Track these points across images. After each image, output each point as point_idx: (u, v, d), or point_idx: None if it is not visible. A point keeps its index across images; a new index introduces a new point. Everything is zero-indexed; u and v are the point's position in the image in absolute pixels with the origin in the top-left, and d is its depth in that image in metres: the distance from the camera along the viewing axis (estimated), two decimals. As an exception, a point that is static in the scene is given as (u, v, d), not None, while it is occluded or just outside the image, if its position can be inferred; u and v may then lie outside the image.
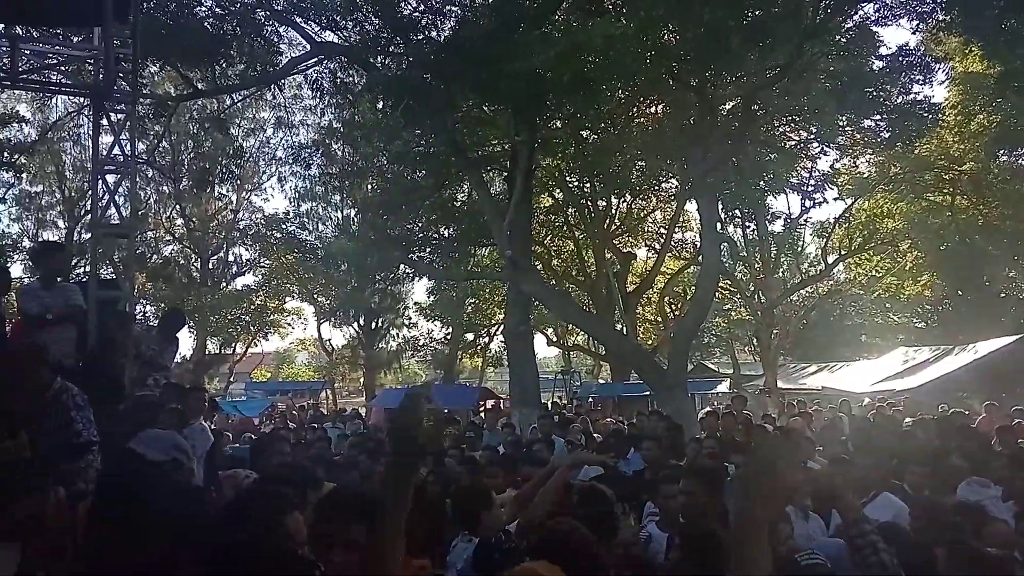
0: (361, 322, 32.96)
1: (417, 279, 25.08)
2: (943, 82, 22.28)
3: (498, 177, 18.54)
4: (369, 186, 21.41)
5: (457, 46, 12.10)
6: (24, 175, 24.92)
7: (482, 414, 17.30)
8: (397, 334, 35.44)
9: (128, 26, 6.53)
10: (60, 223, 29.45)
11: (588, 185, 22.91)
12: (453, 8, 13.68)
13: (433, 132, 14.72)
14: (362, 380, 36.66)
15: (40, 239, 25.98)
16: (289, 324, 36.57)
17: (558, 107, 14.01)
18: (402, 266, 20.85)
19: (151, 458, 3.55)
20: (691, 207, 20.89)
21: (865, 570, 2.28)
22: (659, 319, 29.24)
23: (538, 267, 23.33)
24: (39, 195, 29.29)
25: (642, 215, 27.25)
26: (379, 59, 14.10)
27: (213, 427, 8.24)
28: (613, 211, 26.13)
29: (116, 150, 7.05)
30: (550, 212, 24.68)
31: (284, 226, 29.15)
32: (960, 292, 26.73)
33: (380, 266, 20.15)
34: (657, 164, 19.54)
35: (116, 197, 7.25)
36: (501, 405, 20.40)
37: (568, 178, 22.15)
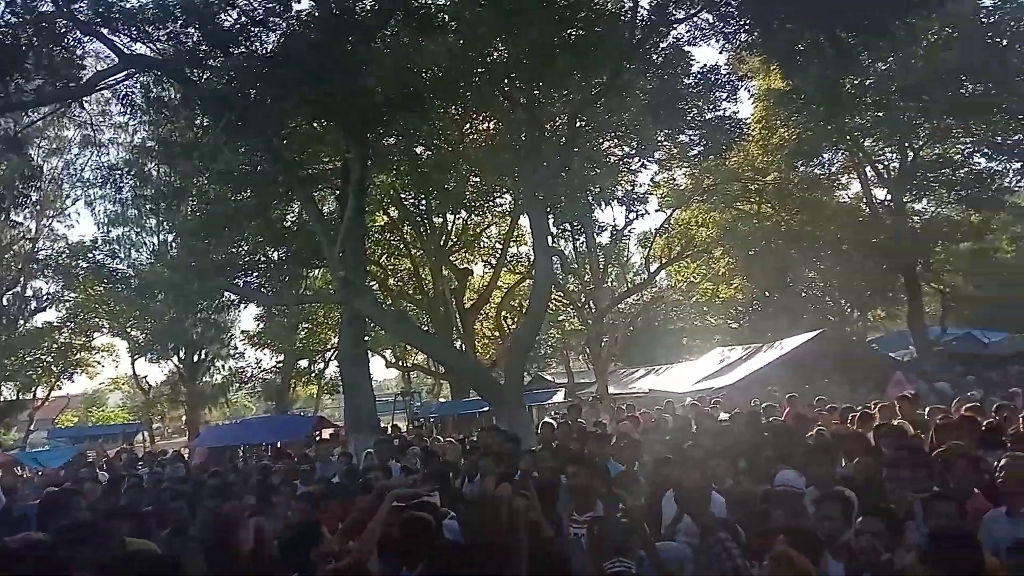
0: (182, 355, 30.78)
1: (243, 306, 23.67)
2: (748, 99, 24.44)
3: (330, 195, 17.98)
4: (188, 208, 20.02)
5: (283, 60, 11.58)
6: None
7: (313, 446, 16.60)
8: (223, 366, 33.55)
9: None
10: None
11: (423, 202, 22.80)
12: (277, 21, 13.08)
13: (258, 150, 14.00)
14: (184, 418, 34.19)
15: None
16: (99, 362, 33.62)
17: (390, 123, 13.79)
18: (227, 293, 19.55)
19: None
20: (524, 221, 21.30)
21: (723, 572, 2.33)
22: (497, 333, 29.57)
23: (374, 287, 22.89)
24: None
25: (478, 231, 27.52)
26: (197, 73, 13.21)
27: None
28: (449, 227, 26.20)
29: None
30: (385, 230, 24.34)
31: (91, 254, 26.57)
32: (767, 294, 29.21)
33: (201, 294, 18.78)
34: (491, 180, 19.81)
35: None
36: (338, 434, 19.71)
37: (403, 195, 21.94)
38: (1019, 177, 23.81)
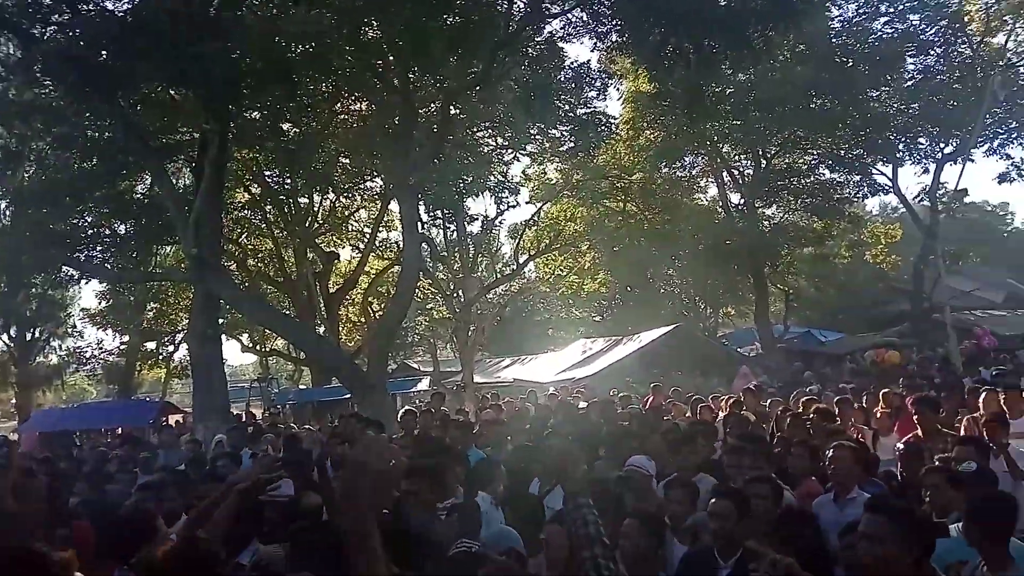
0: (12, 333, 28.19)
1: (84, 282, 21.91)
2: (618, 99, 25.14)
3: (186, 168, 16.95)
4: (25, 174, 18.28)
5: (137, 21, 10.73)
6: None
7: (157, 432, 15.65)
8: (59, 345, 31.05)
9: None
10: None
11: (288, 181, 21.94)
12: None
13: (106, 115, 12.96)
14: (14, 401, 31.37)
15: None
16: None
17: (255, 96, 13.13)
18: (65, 267, 18.04)
19: None
20: (395, 207, 20.97)
21: (577, 540, 2.36)
22: (363, 320, 29.01)
23: (231, 267, 21.86)
24: None
25: (346, 214, 26.82)
26: (39, 28, 12.03)
27: None
28: (315, 209, 25.38)
29: None
30: (246, 208, 23.27)
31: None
32: (629, 288, 30.28)
33: (36, 267, 17.24)
34: (362, 162, 19.35)
35: None
36: (186, 420, 18.71)
37: (266, 172, 21.03)
38: (858, 189, 25.92)
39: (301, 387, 31.97)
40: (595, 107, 17.75)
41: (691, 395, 11.73)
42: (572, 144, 18.55)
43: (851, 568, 3.32)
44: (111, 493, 7.56)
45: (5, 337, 28.52)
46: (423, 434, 8.52)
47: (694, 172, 27.84)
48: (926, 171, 24.43)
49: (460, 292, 25.14)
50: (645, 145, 24.18)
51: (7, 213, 21.97)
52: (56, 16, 11.77)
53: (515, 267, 27.72)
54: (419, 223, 16.62)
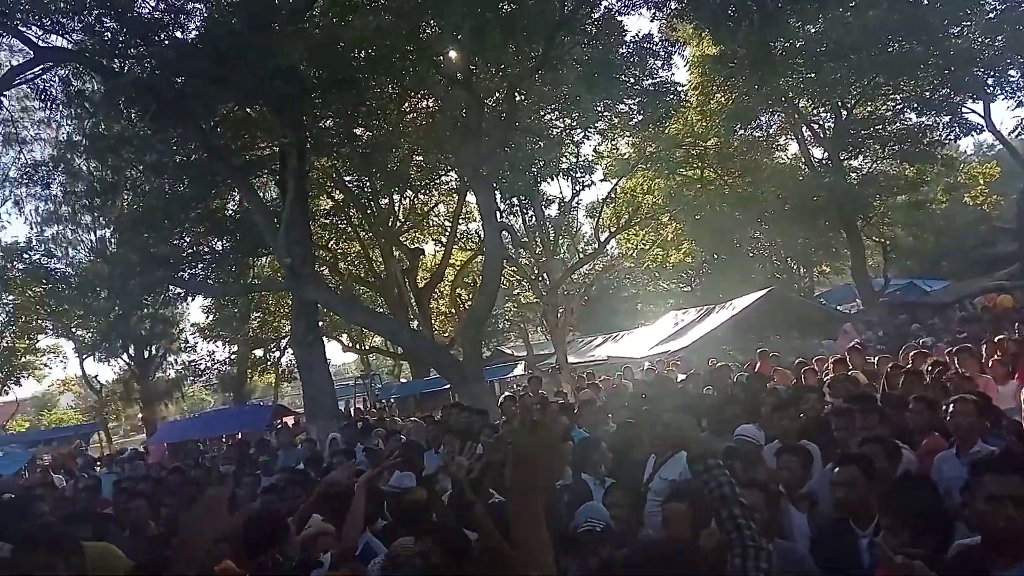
0: (131, 352, 30.04)
1: (191, 299, 23.18)
2: (684, 66, 24.57)
3: (271, 182, 17.61)
4: (124, 203, 19.42)
5: (207, 45, 11.25)
6: None
7: (274, 434, 16.40)
8: (175, 360, 32.84)
9: None
10: None
11: (368, 184, 22.51)
12: (197, 6, 12.69)
13: (189, 139, 13.63)
14: (140, 416, 33.51)
15: None
16: (46, 364, 32.65)
17: (325, 105, 13.56)
18: (171, 286, 19.11)
19: None
20: (472, 198, 21.22)
21: (714, 502, 2.40)
22: (453, 311, 29.53)
23: (323, 272, 22.62)
24: None
25: (426, 210, 27.32)
26: (118, 63, 12.75)
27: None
28: (396, 208, 25.95)
29: None
30: (331, 214, 24.00)
31: (27, 255, 25.65)
32: (715, 256, 29.65)
33: (145, 289, 18.30)
34: (435, 158, 19.63)
35: None
36: (299, 421, 19.54)
37: (346, 178, 21.63)
38: (949, 130, 24.47)
39: (402, 380, 32.81)
40: (661, 77, 17.40)
41: (794, 360, 11.45)
42: (642, 116, 18.24)
43: (975, 526, 3.21)
44: (239, 497, 8.03)
45: (125, 357, 30.37)
46: (525, 418, 8.69)
47: (771, 131, 26.95)
48: (1020, 104, 22.85)
49: (545, 275, 25.23)
50: (717, 109, 23.55)
51: (112, 241, 23.43)
52: (132, 50, 12.44)
53: (597, 246, 27.56)
54: (497, 212, 16.74)
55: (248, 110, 14.10)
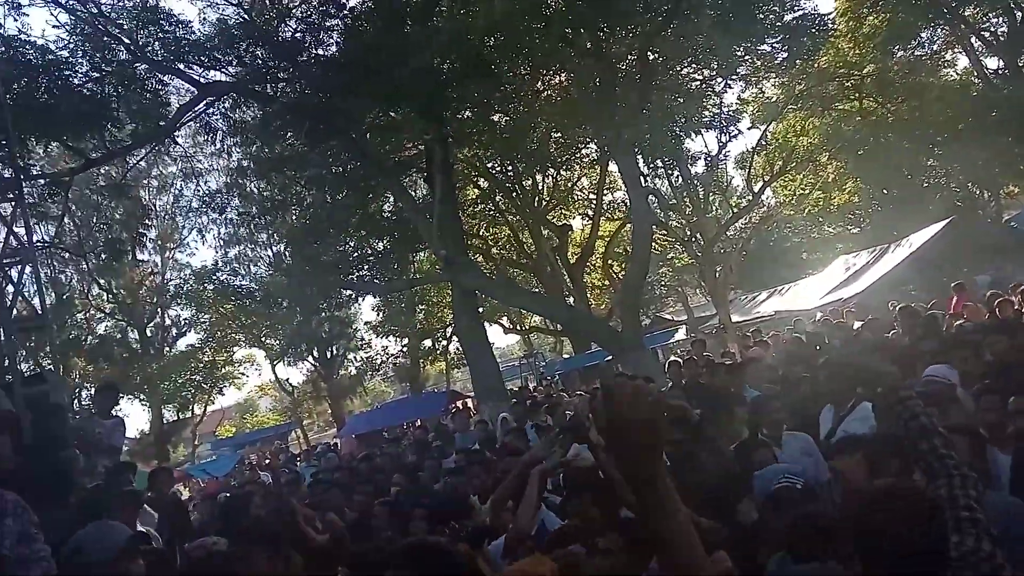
0: (315, 354, 32.35)
1: (361, 299, 24.69)
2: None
3: (420, 179, 18.30)
4: (293, 217, 20.93)
5: (346, 59, 11.85)
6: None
7: (450, 418, 17.10)
8: (354, 358, 34.96)
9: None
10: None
11: (510, 168, 22.83)
12: (334, 22, 13.37)
13: (342, 150, 14.43)
14: (330, 412, 36.08)
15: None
16: (243, 373, 35.83)
17: (461, 97, 13.86)
18: (342, 289, 20.40)
19: (96, 558, 3.34)
20: (615, 168, 20.99)
21: (912, 433, 2.29)
22: (607, 283, 29.41)
23: (477, 259, 23.21)
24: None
25: (569, 186, 27.32)
26: (271, 87, 13.72)
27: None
28: (540, 188, 26.14)
29: (13, 240, 6.68)
30: (479, 202, 24.55)
31: (215, 276, 28.33)
32: (885, 191, 27.53)
33: (320, 295, 19.66)
34: (573, 133, 19.57)
35: (25, 289, 6.85)
36: (471, 404, 20.26)
37: (489, 165, 22.04)
38: None
39: (565, 356, 33.16)
40: (804, 8, 16.26)
41: (986, 293, 10.43)
42: (787, 54, 17.17)
43: None
44: (422, 480, 8.50)
45: (310, 359, 32.78)
46: (692, 383, 8.54)
47: (935, 47, 24.52)
48: None
49: (698, 236, 24.55)
50: (870, 33, 21.77)
51: (287, 254, 25.27)
52: (281, 73, 13.32)
53: (751, 197, 26.41)
54: (641, 177, 16.47)
55: (392, 114, 14.68)
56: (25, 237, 6.74)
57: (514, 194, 24.69)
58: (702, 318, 26.89)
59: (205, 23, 13.88)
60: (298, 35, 13.14)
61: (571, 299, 24.86)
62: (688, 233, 25.11)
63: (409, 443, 14.05)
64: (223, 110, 14.85)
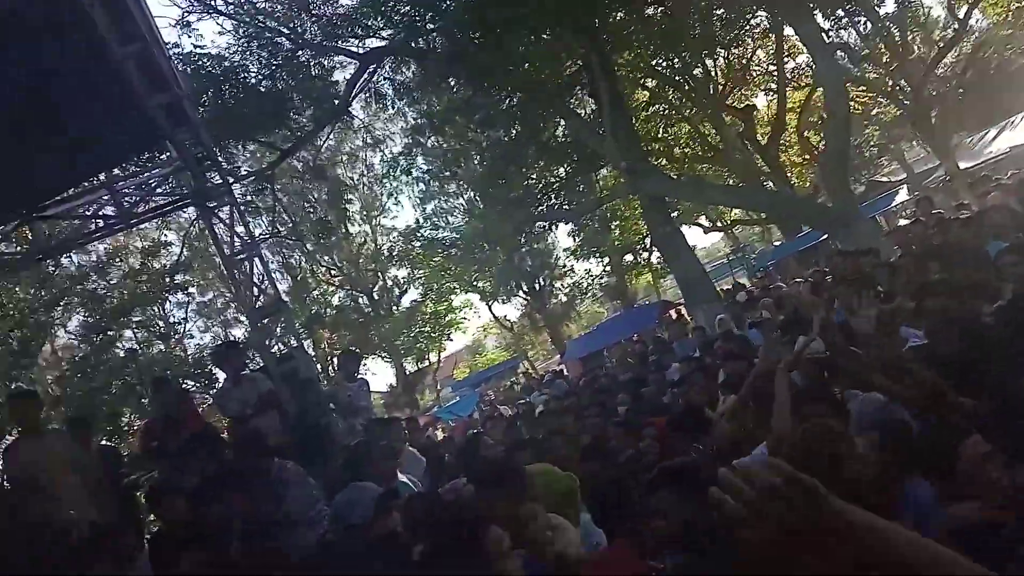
0: (524, 288, 33.46)
1: (555, 227, 25.04)
2: None
3: (585, 96, 17.98)
4: (475, 163, 21.51)
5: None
6: (192, 290, 26.99)
7: (666, 329, 16.89)
8: (561, 285, 35.70)
9: (190, 128, 6.80)
10: (242, 318, 31.79)
11: (676, 60, 21.65)
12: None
13: (503, 86, 14.51)
14: (550, 340, 37.33)
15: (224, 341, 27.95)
16: (464, 318, 37.80)
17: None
18: (535, 222, 20.80)
19: (353, 522, 3.72)
20: (790, 31, 19.22)
21: None
22: (806, 157, 27.31)
23: (660, 163, 22.50)
24: (213, 301, 31.60)
25: (744, 63, 25.42)
26: (423, 42, 14.01)
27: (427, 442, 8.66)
28: (713, 73, 24.60)
29: (236, 240, 7.47)
30: (650, 104, 23.62)
31: (419, 234, 30.04)
32: None
33: (515, 231, 20.20)
34: (735, 5, 18.14)
35: (256, 278, 7.66)
36: (684, 312, 19.95)
37: (653, 63, 21.07)
38: None
39: (775, 244, 31.57)
40: None
41: None
42: None
43: None
44: (647, 395, 8.56)
45: (521, 293, 34.00)
46: (922, 247, 7.80)
47: None
48: None
49: (902, 83, 21.98)
50: None
51: (477, 199, 26.04)
52: (430, 25, 13.52)
53: (956, 26, 23.04)
54: (822, 34, 14.96)
55: (544, 36, 14.46)
56: (245, 235, 7.51)
57: (686, 87, 23.45)
58: (924, 173, 24.27)
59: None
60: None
61: (769, 184, 23.44)
62: (890, 83, 22.53)
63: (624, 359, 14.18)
64: (386, 75, 15.45)
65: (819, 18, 16.20)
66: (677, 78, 22.80)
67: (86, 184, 7.86)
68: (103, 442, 14.65)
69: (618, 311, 34.79)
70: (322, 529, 4.29)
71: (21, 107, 5.36)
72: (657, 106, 23.95)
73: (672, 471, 2.48)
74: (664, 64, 21.66)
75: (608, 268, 33.87)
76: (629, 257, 32.76)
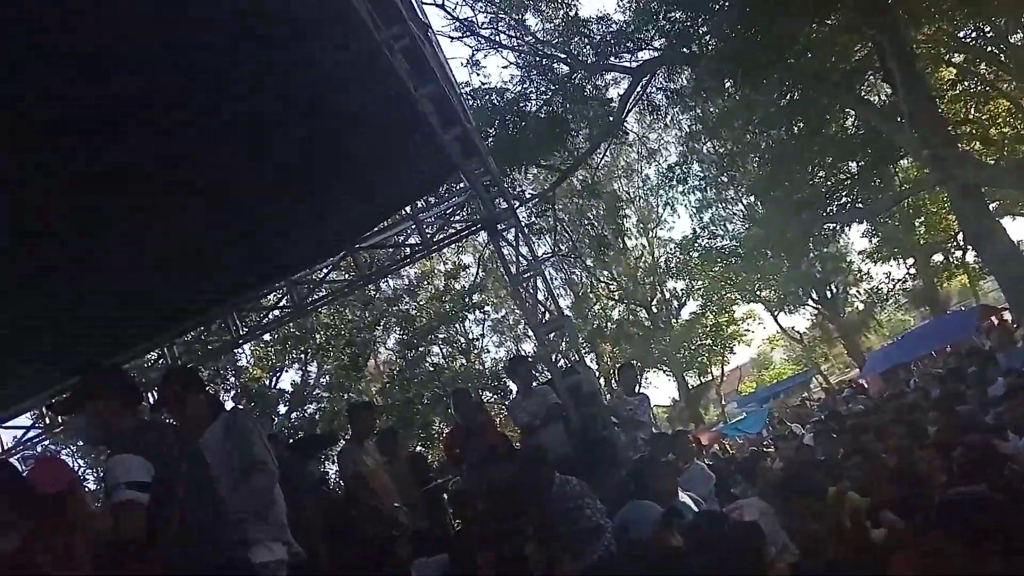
0: (814, 296, 31.28)
1: (847, 229, 23.08)
2: None
3: (878, 81, 16.42)
4: (753, 165, 20.65)
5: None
6: (488, 308, 29.05)
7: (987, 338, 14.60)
8: (857, 292, 32.88)
9: (479, 158, 7.42)
10: (530, 333, 33.36)
11: (987, 27, 18.88)
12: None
13: (783, 80, 13.81)
14: (846, 352, 34.46)
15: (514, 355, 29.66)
16: (748, 330, 36.35)
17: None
18: (824, 224, 19.39)
19: (637, 536, 3.72)
20: None
21: None
22: None
23: (973, 148, 19.76)
24: (505, 317, 33.59)
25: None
26: (695, 47, 13.80)
27: (709, 463, 8.42)
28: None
29: (523, 260, 7.95)
30: (957, 81, 20.86)
31: (696, 243, 29.39)
32: None
33: (801, 235, 18.99)
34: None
35: (540, 296, 8.09)
36: (1008, 318, 17.19)
37: (961, 35, 18.62)
38: None
39: None
40: None
41: None
42: None
43: None
44: (965, 414, 7.51)
45: (810, 302, 31.79)
46: None
47: None
48: None
49: None
50: None
51: (758, 204, 24.83)
52: (703, 27, 13.21)
53: None
54: None
55: (827, 21, 13.51)
56: (529, 254, 7.97)
57: (1002, 57, 20.34)
58: None
59: (624, 11, 14.70)
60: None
61: None
62: None
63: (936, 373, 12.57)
64: (659, 85, 15.49)
65: None
66: (990, 49, 19.90)
67: (396, 216, 8.97)
68: (417, 448, 16.51)
69: (927, 319, 31.16)
70: (605, 543, 4.36)
71: (339, 157, 6.24)
72: (966, 84, 21.09)
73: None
74: (972, 35, 19.03)
75: (913, 271, 30.47)
76: (938, 257, 29.31)
